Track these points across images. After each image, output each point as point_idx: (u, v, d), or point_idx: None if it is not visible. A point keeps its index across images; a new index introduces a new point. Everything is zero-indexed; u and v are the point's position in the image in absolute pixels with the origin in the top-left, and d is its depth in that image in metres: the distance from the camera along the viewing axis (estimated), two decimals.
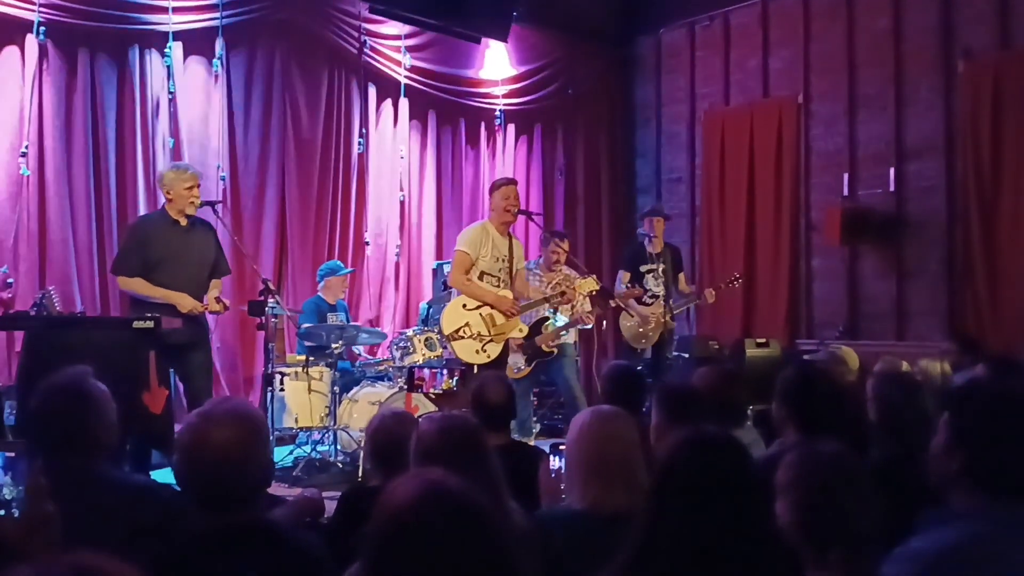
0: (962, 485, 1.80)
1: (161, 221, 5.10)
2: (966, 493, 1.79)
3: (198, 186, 5.10)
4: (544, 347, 6.22)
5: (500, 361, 5.57)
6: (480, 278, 5.55)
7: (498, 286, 5.59)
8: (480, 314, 5.50)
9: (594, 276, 5.97)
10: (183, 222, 5.05)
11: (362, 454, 5.46)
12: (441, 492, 1.48)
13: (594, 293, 6.04)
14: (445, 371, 6.59)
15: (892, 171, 7.73)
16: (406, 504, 1.45)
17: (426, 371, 6.76)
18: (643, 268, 6.94)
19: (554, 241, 6.58)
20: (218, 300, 5.13)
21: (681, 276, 7.11)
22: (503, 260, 5.59)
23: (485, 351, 5.48)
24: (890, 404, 3.12)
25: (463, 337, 5.46)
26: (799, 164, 8.35)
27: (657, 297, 6.84)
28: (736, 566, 1.65)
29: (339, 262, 7.00)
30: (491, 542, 1.46)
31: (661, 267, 6.86)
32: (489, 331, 5.49)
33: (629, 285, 6.89)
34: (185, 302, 4.90)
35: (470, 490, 1.52)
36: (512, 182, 5.81)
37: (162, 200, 5.20)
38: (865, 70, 7.95)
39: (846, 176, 8.01)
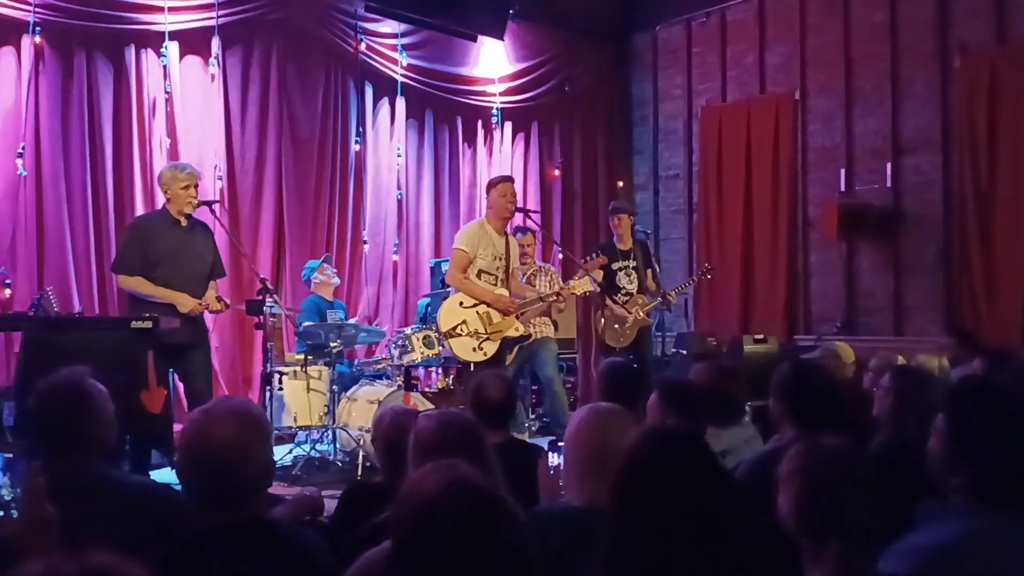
0: (963, 493, 1.80)
1: (162, 220, 5.10)
2: (966, 499, 1.80)
3: (196, 186, 5.10)
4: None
5: (497, 359, 5.57)
6: (478, 276, 5.56)
7: (496, 285, 5.60)
8: (477, 312, 5.50)
9: (589, 276, 5.97)
10: (183, 222, 5.05)
11: (362, 451, 5.48)
12: (466, 484, 1.51)
13: (588, 294, 6.04)
14: (440, 369, 6.60)
15: (889, 166, 7.74)
16: (433, 495, 1.48)
17: (421, 370, 6.76)
18: (614, 266, 6.85)
19: (526, 235, 6.68)
20: (219, 299, 5.13)
21: (649, 273, 7.00)
22: (501, 259, 5.61)
23: (482, 349, 5.48)
24: (908, 397, 3.13)
25: (460, 335, 5.46)
26: (796, 159, 8.36)
27: (631, 295, 6.83)
28: (705, 560, 1.65)
29: (313, 260, 6.98)
30: (513, 533, 1.49)
31: (632, 264, 6.87)
32: (486, 329, 5.50)
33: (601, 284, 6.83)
34: (186, 302, 4.90)
35: (492, 483, 1.54)
36: (509, 180, 5.82)
37: (162, 199, 5.20)
38: (861, 65, 7.96)
39: (843, 171, 8.02)
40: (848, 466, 1.88)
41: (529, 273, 6.61)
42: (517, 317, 5.65)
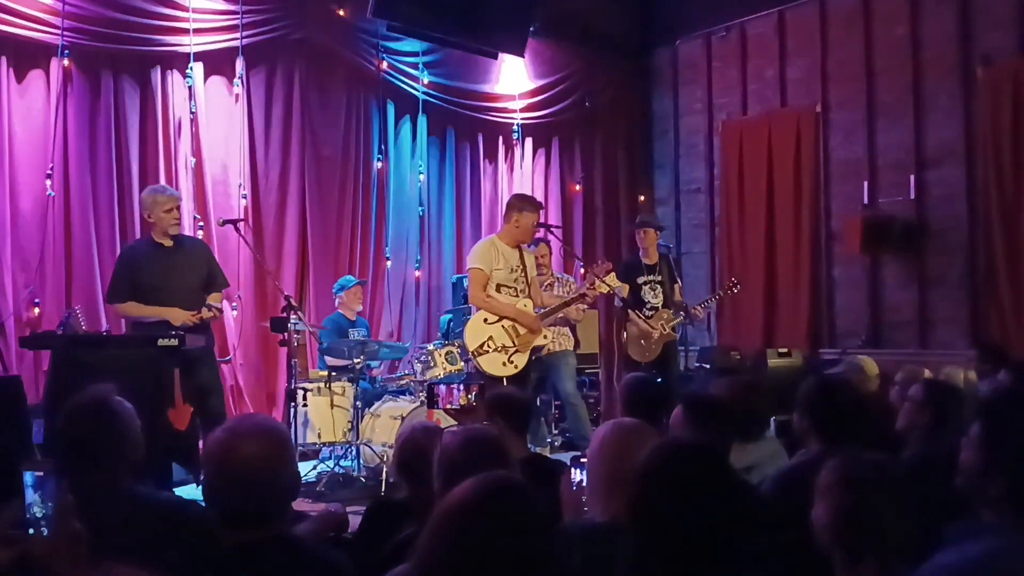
0: (996, 507, 1.78)
1: (145, 246, 5.28)
2: (999, 513, 1.77)
3: (177, 208, 5.25)
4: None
5: (527, 371, 5.57)
6: (498, 291, 5.56)
7: (517, 296, 5.60)
8: (502, 326, 5.50)
9: (610, 277, 5.93)
10: (167, 243, 5.18)
11: (386, 467, 5.49)
12: (501, 484, 1.54)
13: (613, 292, 5.97)
14: (462, 386, 6.60)
15: (912, 179, 7.68)
16: (468, 495, 1.51)
17: (443, 386, 6.77)
18: (640, 280, 6.86)
19: (539, 247, 6.65)
20: (208, 307, 5.20)
21: (676, 287, 6.98)
22: (517, 270, 5.61)
23: (512, 362, 5.48)
24: (946, 412, 3.12)
25: (488, 351, 5.46)
26: (818, 173, 8.32)
27: (656, 309, 6.81)
28: (719, 570, 1.65)
29: (350, 276, 7.05)
30: (548, 535, 1.53)
31: (658, 278, 6.84)
32: (514, 342, 5.50)
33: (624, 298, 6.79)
34: (177, 315, 5.02)
35: (527, 484, 1.56)
36: (538, 207, 5.79)
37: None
38: (883, 78, 7.92)
39: (866, 185, 7.97)
40: (889, 480, 1.86)
41: (546, 284, 6.62)
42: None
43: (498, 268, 5.56)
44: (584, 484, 2.45)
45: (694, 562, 1.66)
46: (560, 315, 6.05)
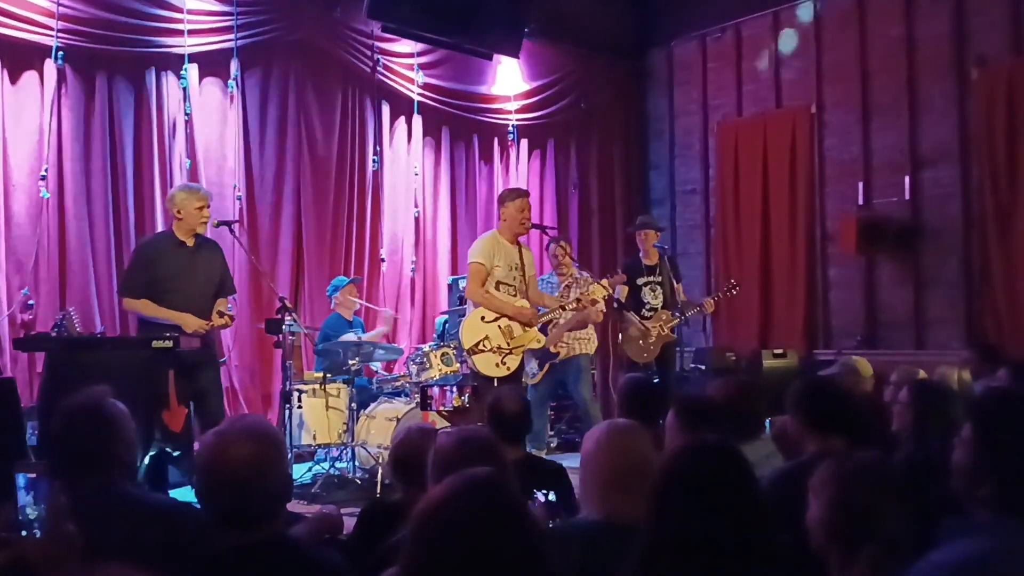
0: (989, 506, 1.78)
1: (167, 242, 5.15)
2: (992, 512, 1.78)
3: (208, 206, 5.16)
4: (552, 348, 6.17)
5: (518, 374, 5.57)
6: (496, 287, 5.55)
7: (514, 295, 5.59)
8: (499, 326, 5.49)
9: (605, 281, 5.95)
10: (190, 243, 5.10)
11: (381, 469, 5.49)
12: (478, 482, 1.54)
13: (606, 298, 6.00)
14: (455, 387, 6.60)
15: (907, 179, 7.70)
16: (446, 494, 1.51)
17: (436, 388, 6.77)
18: (640, 281, 6.84)
19: (558, 245, 6.61)
20: (220, 314, 5.15)
21: (679, 286, 6.94)
22: (516, 268, 5.59)
23: (505, 364, 5.47)
24: (927, 412, 3.13)
25: (483, 351, 5.45)
26: (813, 174, 8.33)
27: (655, 310, 6.80)
28: (737, 570, 1.66)
29: (342, 276, 7.03)
30: (527, 531, 1.51)
31: (657, 279, 6.84)
32: (508, 343, 5.49)
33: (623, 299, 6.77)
34: (190, 322, 4.92)
35: (507, 482, 1.57)
36: (525, 194, 5.79)
37: (168, 222, 5.24)
38: (878, 78, 7.94)
39: (861, 185, 7.99)
40: (881, 475, 1.89)
41: (564, 285, 6.51)
42: (540, 329, 5.67)
43: (499, 265, 5.54)
44: (543, 501, 2.48)
45: (714, 562, 1.67)
46: (579, 318, 6.09)
